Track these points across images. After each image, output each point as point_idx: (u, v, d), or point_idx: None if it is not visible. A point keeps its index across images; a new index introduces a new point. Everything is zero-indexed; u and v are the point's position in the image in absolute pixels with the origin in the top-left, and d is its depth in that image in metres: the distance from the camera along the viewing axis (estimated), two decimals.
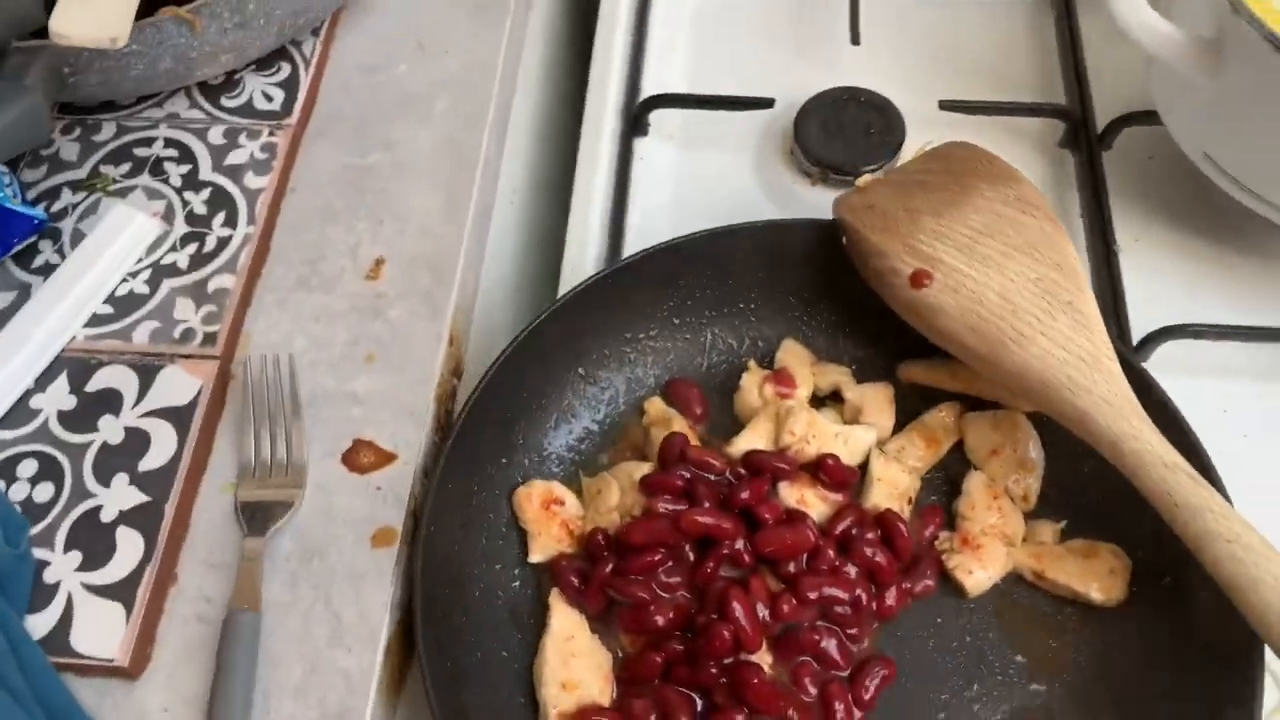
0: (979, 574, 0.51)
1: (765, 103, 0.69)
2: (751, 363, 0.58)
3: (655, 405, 0.58)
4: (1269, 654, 0.45)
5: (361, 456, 0.52)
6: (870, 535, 0.52)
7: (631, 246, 0.64)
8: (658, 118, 0.71)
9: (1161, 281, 0.63)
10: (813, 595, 0.50)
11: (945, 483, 0.55)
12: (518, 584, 0.53)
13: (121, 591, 0.48)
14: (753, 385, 0.57)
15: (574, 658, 0.50)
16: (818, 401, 0.57)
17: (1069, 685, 0.50)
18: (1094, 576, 0.51)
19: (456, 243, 0.58)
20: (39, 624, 0.48)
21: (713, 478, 0.53)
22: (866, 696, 0.49)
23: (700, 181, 0.70)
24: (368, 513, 0.51)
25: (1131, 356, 0.52)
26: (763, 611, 0.50)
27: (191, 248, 0.58)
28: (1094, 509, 0.53)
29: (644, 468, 0.54)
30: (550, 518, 0.54)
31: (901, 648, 0.51)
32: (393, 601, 0.49)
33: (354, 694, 0.47)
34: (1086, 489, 0.53)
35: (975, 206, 0.53)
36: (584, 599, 0.51)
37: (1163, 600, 0.50)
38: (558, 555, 0.53)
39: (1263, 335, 0.59)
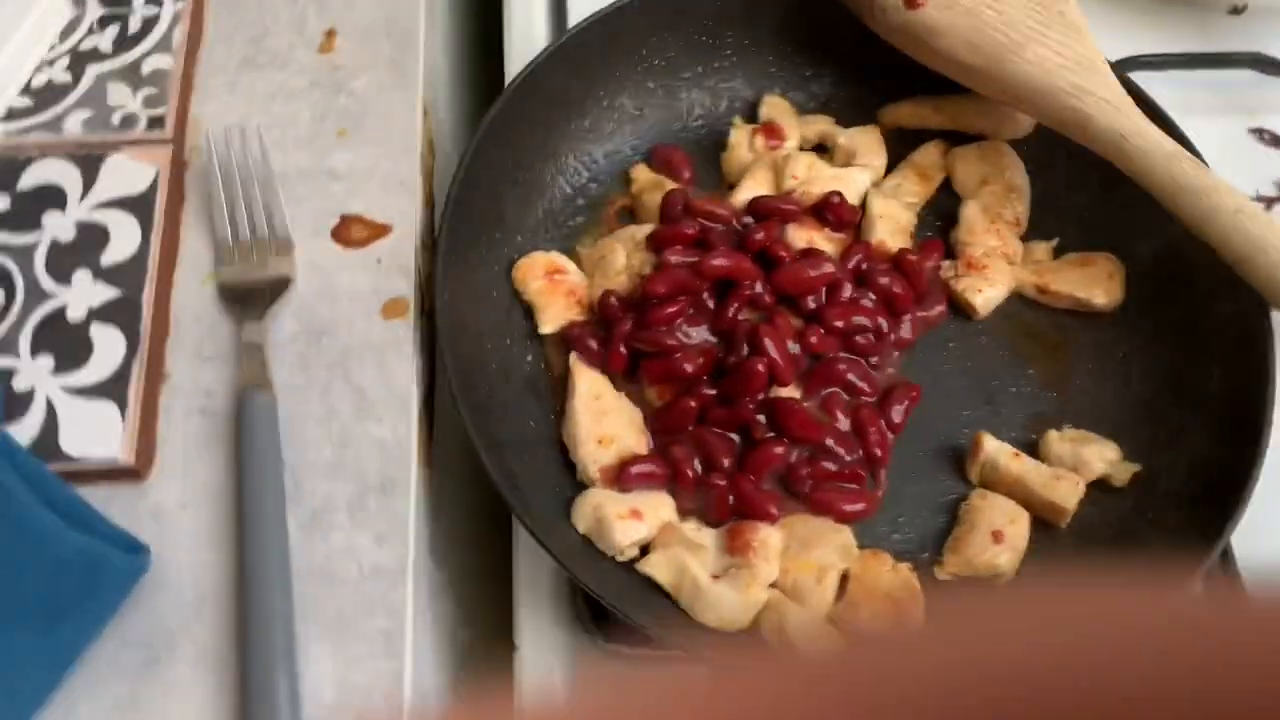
0: (988, 292, 0.52)
1: None
2: (738, 119, 0.57)
3: (642, 171, 0.56)
4: None
5: (353, 231, 0.48)
6: (883, 267, 0.52)
7: (576, 15, 0.61)
8: None
9: (1106, 29, 0.65)
10: (839, 324, 0.50)
11: (938, 218, 0.56)
12: (530, 357, 0.51)
13: (110, 390, 0.44)
14: (742, 140, 0.56)
15: (605, 415, 0.49)
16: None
17: (1079, 389, 0.52)
18: (1094, 282, 0.53)
19: (414, 6, 0.53)
20: (20, 434, 0.43)
21: (721, 227, 0.52)
22: (897, 419, 0.50)
23: None
24: (372, 286, 0.47)
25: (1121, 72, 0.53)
26: (792, 346, 0.49)
27: (113, 30, 0.52)
28: (1081, 226, 0.55)
29: (646, 229, 0.52)
30: (555, 287, 0.52)
31: (921, 374, 0.52)
32: (418, 371, 0.46)
33: (393, 463, 0.44)
34: (1072, 208, 0.55)
35: None
36: (605, 360, 0.50)
37: (1156, 301, 0.53)
38: (569, 324, 0.51)
39: (1204, 62, 0.62)
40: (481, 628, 0.54)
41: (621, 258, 0.52)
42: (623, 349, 0.50)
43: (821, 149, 0.57)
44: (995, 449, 0.49)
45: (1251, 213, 0.46)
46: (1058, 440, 0.49)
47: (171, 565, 0.42)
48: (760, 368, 0.48)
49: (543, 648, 0.48)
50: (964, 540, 0.47)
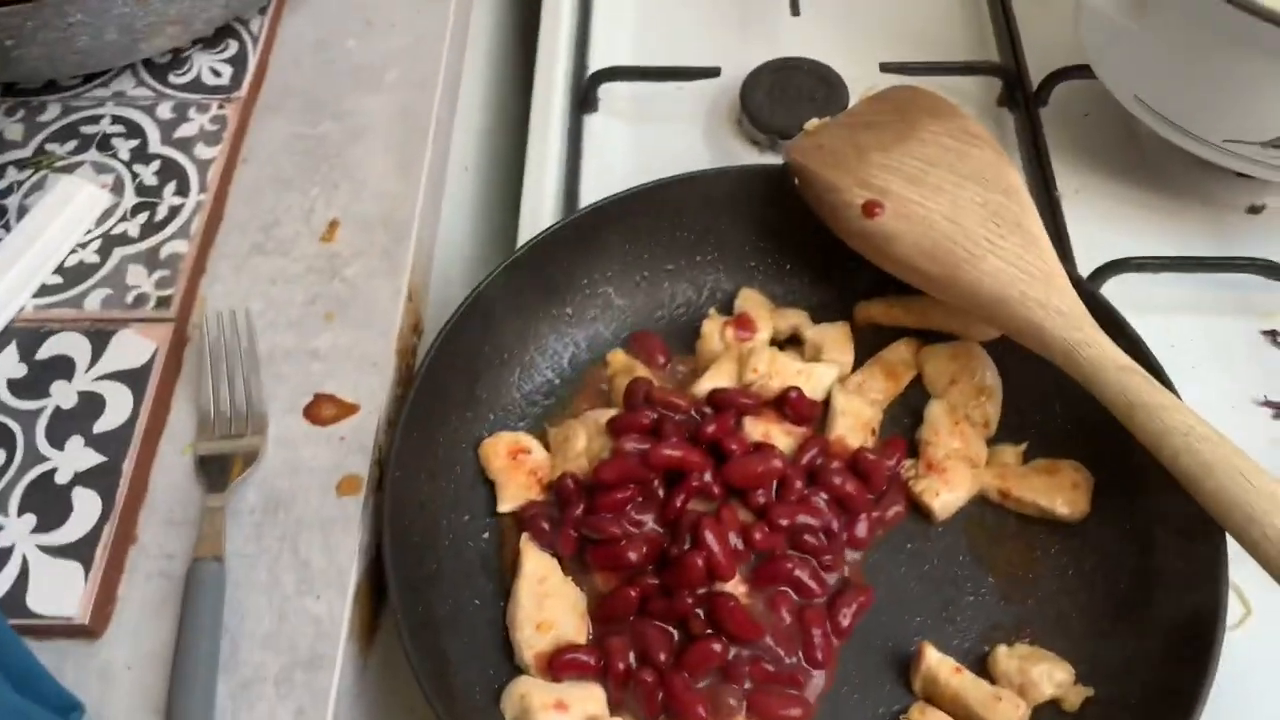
0: (946, 496, 0.52)
1: (712, 72, 0.70)
2: (712, 310, 0.59)
3: (618, 356, 0.58)
4: (1232, 566, 0.46)
5: (323, 409, 0.51)
6: (836, 465, 0.52)
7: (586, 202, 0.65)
8: (606, 92, 0.72)
9: (1103, 227, 0.65)
10: (784, 522, 0.50)
11: (907, 415, 0.56)
12: (487, 534, 0.53)
13: (79, 551, 0.47)
14: (714, 331, 0.57)
15: (548, 599, 0.49)
16: (777, 346, 0.58)
17: (1040, 601, 0.50)
18: (1058, 491, 0.51)
19: (411, 201, 0.58)
20: None
21: (678, 417, 0.53)
22: (844, 623, 0.49)
23: (651, 155, 0.70)
24: (332, 462, 0.50)
25: (1082, 281, 0.53)
26: (735, 541, 0.50)
27: (142, 217, 0.57)
28: (1052, 432, 0.54)
29: (610, 413, 0.54)
30: (517, 467, 0.54)
31: (876, 576, 0.51)
32: (361, 547, 0.48)
33: (324, 639, 0.46)
34: (1043, 413, 0.55)
35: (921, 140, 0.54)
36: (556, 542, 0.51)
37: (1123, 513, 0.51)
38: (527, 503, 0.53)
39: (1202, 265, 0.62)
40: None
41: (582, 440, 0.54)
42: (573, 532, 0.51)
43: (797, 341, 0.58)
44: (936, 661, 0.47)
45: (1202, 434, 0.45)
46: (1005, 656, 0.48)
47: None
48: (699, 561, 0.48)
49: None
50: None
